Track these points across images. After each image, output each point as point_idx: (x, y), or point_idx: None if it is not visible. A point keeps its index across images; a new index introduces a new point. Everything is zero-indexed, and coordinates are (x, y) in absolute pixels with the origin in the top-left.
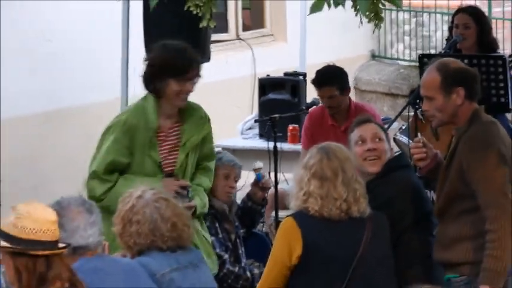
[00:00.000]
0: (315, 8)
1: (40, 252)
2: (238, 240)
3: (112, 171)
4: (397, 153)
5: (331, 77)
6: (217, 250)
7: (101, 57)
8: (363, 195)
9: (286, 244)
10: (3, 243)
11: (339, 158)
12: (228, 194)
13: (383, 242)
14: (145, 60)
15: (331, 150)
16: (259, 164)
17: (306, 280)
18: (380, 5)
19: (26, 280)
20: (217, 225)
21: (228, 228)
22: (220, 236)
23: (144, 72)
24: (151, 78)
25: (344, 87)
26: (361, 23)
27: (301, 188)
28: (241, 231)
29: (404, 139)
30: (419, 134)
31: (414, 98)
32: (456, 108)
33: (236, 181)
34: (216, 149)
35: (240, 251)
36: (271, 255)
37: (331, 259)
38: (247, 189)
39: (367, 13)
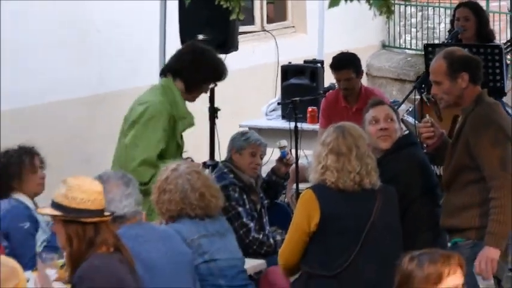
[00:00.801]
0: (333, 3)
1: (89, 220)
2: (263, 210)
3: (158, 157)
4: (406, 132)
5: (348, 61)
6: (244, 219)
7: (141, 46)
8: (374, 169)
9: (305, 213)
10: (56, 212)
11: (353, 135)
12: (254, 170)
13: (392, 211)
14: (192, 63)
15: (346, 129)
16: (284, 142)
17: (323, 245)
18: (391, 0)
19: (76, 245)
20: (244, 197)
21: (254, 200)
22: (247, 206)
23: (191, 72)
24: (195, 79)
25: (358, 70)
26: (375, 15)
27: (319, 162)
28: (266, 201)
29: (410, 119)
30: (426, 115)
31: (420, 83)
32: (461, 91)
33: (262, 158)
34: (244, 129)
35: (264, 220)
36: (292, 223)
37: (346, 226)
38: (272, 164)
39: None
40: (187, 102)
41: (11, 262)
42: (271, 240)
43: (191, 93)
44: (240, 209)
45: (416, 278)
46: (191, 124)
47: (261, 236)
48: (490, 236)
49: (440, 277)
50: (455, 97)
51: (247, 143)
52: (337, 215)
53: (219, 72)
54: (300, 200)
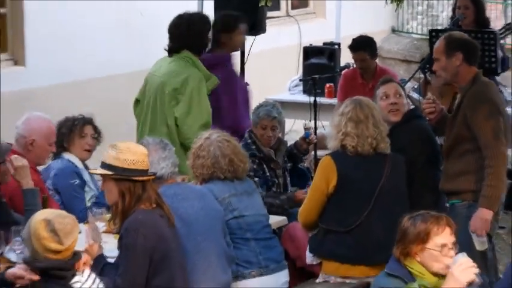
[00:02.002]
0: None
1: (139, 178)
2: (286, 173)
3: None
4: (412, 107)
5: (364, 44)
6: (260, 190)
7: None
8: (387, 135)
9: (324, 176)
10: (109, 172)
11: (368, 106)
12: (266, 141)
13: (399, 176)
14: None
15: (362, 100)
16: (309, 124)
17: (339, 204)
18: None
19: (128, 200)
20: (264, 166)
21: (274, 167)
22: (267, 174)
23: (193, 38)
24: (200, 41)
25: (373, 52)
26: (386, 3)
27: (339, 130)
28: (289, 165)
29: (415, 96)
30: (429, 93)
31: (424, 63)
32: (456, 69)
33: (273, 129)
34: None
35: (287, 181)
36: (312, 185)
37: (359, 188)
38: (293, 134)
39: None
40: None
41: (72, 216)
42: (278, 202)
43: (201, 53)
44: (256, 179)
45: (409, 235)
46: (217, 82)
47: (269, 199)
48: (484, 199)
49: (428, 234)
50: (451, 74)
51: (258, 117)
52: (352, 178)
53: (208, 21)
54: (319, 165)
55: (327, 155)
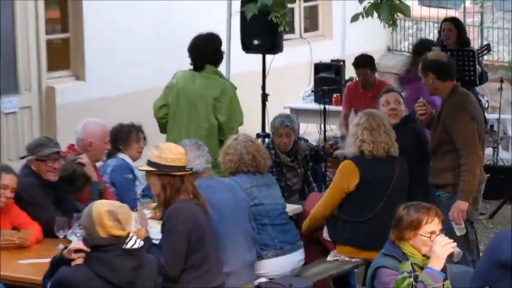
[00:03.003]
0: (354, 18)
1: (178, 173)
2: (307, 173)
3: None
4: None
5: (365, 62)
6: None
7: None
8: (395, 141)
9: (346, 177)
10: (153, 169)
11: (379, 116)
12: (283, 146)
13: (405, 174)
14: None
15: (373, 112)
16: (337, 134)
17: (357, 200)
18: (395, 15)
19: (168, 192)
20: (284, 171)
21: (285, 172)
22: (283, 184)
23: (211, 54)
24: (218, 55)
25: (373, 68)
26: (384, 27)
27: (356, 138)
28: (310, 164)
29: None
30: (420, 98)
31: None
32: (432, 85)
33: (288, 136)
34: (283, 112)
35: (309, 180)
36: (332, 183)
37: (375, 187)
38: (307, 136)
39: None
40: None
41: (126, 206)
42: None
43: (219, 64)
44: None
45: (404, 222)
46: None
47: None
48: (460, 193)
49: (420, 222)
50: (430, 89)
51: (274, 127)
52: (371, 178)
53: (220, 39)
54: (341, 167)
55: (348, 159)
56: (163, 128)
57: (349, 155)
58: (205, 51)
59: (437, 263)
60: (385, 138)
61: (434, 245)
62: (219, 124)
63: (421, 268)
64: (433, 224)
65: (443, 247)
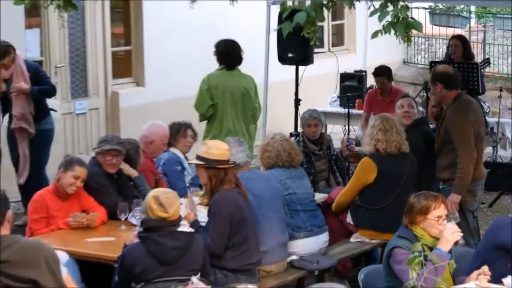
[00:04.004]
0: (374, 35)
1: (222, 166)
2: (331, 162)
3: None
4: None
5: (383, 72)
6: None
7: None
8: (406, 139)
9: (365, 172)
10: (201, 162)
11: (392, 119)
12: (312, 135)
13: (415, 169)
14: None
15: (386, 116)
16: (352, 137)
17: (376, 190)
18: (410, 32)
19: (214, 182)
20: (312, 160)
21: (314, 160)
22: (306, 166)
23: (237, 56)
24: (240, 57)
25: (390, 77)
26: (399, 42)
27: (372, 138)
28: (334, 156)
29: (420, 108)
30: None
31: (426, 86)
32: (439, 93)
33: (316, 126)
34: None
35: (334, 168)
36: (354, 176)
37: (390, 179)
38: (333, 135)
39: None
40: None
41: (174, 192)
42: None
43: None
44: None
45: (415, 208)
46: None
47: None
48: (454, 187)
49: (429, 208)
50: (438, 96)
51: (304, 119)
52: (386, 172)
53: (239, 45)
54: (361, 163)
55: (366, 156)
56: (207, 120)
57: (367, 153)
58: (231, 56)
59: (445, 246)
60: (396, 138)
61: (445, 230)
62: (255, 110)
63: (430, 248)
64: (440, 210)
65: (452, 233)
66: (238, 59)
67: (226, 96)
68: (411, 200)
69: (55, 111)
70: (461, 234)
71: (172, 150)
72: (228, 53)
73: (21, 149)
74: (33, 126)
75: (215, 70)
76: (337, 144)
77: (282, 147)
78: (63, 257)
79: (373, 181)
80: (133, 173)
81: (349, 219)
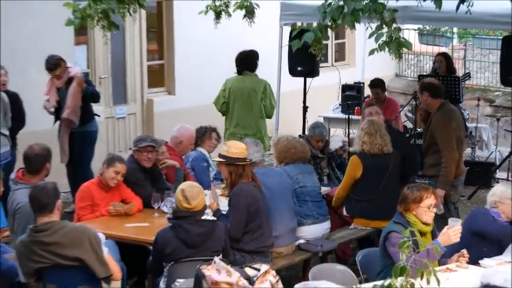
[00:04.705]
0: (371, 52)
1: (240, 163)
2: (330, 160)
3: None
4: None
5: (377, 84)
6: None
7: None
8: (389, 142)
9: (354, 168)
10: (223, 160)
11: (378, 124)
12: (317, 147)
13: (398, 167)
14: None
15: (373, 121)
16: (345, 139)
17: (363, 184)
18: (401, 50)
19: (233, 176)
20: (317, 161)
21: (318, 162)
22: (319, 171)
23: (254, 63)
24: (255, 64)
25: (383, 88)
26: (392, 58)
27: (359, 139)
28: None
29: (410, 114)
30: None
31: (415, 95)
32: (426, 101)
33: (322, 141)
34: (317, 120)
35: (333, 165)
36: (346, 174)
37: (375, 175)
38: (335, 137)
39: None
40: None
41: (199, 185)
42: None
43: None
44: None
45: (409, 198)
46: None
47: None
48: (440, 183)
49: (421, 198)
50: (424, 104)
51: (314, 133)
52: (371, 168)
53: (257, 55)
54: (350, 162)
55: (354, 155)
56: (224, 114)
57: (356, 151)
58: (249, 63)
59: (443, 240)
60: (380, 141)
61: (451, 228)
62: (265, 108)
63: (420, 233)
64: (431, 199)
65: (455, 234)
66: (250, 66)
67: (237, 95)
68: (405, 192)
69: (98, 116)
70: (460, 235)
71: (200, 149)
72: (240, 61)
73: (62, 141)
74: (78, 119)
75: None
76: (339, 144)
77: (292, 145)
78: (103, 238)
79: (360, 176)
80: (176, 164)
81: (345, 212)
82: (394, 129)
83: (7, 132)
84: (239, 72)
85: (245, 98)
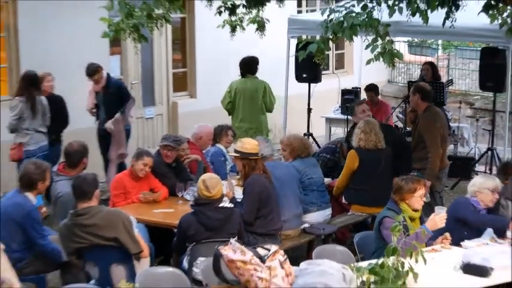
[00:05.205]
0: (367, 62)
1: (253, 158)
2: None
3: None
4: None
5: (372, 88)
6: None
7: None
8: (382, 139)
9: (352, 161)
10: (237, 155)
11: (373, 123)
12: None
13: (390, 161)
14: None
15: (369, 121)
16: (338, 139)
17: (359, 175)
18: (394, 60)
19: (247, 169)
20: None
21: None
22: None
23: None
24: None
25: (377, 92)
26: (386, 67)
27: (357, 136)
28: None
29: (401, 115)
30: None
31: (405, 99)
32: (416, 102)
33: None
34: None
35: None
36: (345, 166)
37: (370, 167)
38: (336, 135)
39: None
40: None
41: (217, 176)
42: None
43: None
44: None
45: (404, 189)
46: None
47: None
48: (426, 175)
49: (415, 189)
50: (414, 104)
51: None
52: (366, 161)
53: (257, 60)
54: (349, 154)
55: (352, 149)
56: (229, 113)
57: (353, 146)
58: (251, 67)
59: (430, 226)
60: (374, 138)
61: (437, 214)
62: (265, 105)
63: (410, 219)
64: (422, 190)
65: (441, 220)
66: (251, 70)
67: (241, 95)
68: (400, 183)
69: (131, 116)
70: (445, 221)
71: (218, 145)
72: (244, 65)
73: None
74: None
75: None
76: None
77: (301, 141)
78: (134, 221)
79: (357, 168)
80: (197, 158)
81: (344, 200)
82: (386, 125)
83: (45, 130)
84: (242, 75)
85: (248, 97)
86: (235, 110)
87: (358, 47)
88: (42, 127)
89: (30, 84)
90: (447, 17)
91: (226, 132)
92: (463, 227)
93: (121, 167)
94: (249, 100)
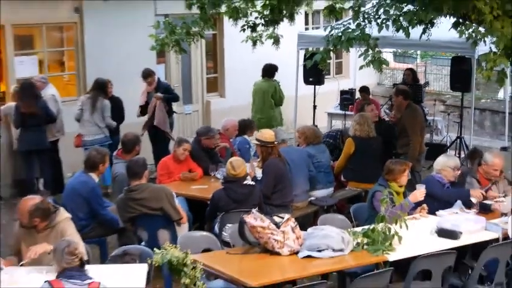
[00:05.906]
0: (360, 68)
1: (270, 145)
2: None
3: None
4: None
5: (365, 89)
6: None
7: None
8: (373, 129)
9: (348, 146)
10: (258, 143)
11: (366, 117)
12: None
13: (380, 146)
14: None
15: (363, 114)
16: (337, 129)
17: (355, 159)
18: (382, 66)
19: (265, 154)
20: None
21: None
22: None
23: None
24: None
25: (368, 92)
26: (375, 72)
27: (353, 127)
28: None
29: (388, 111)
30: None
31: (390, 98)
32: (399, 102)
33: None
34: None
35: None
36: (343, 151)
37: (363, 152)
38: (336, 126)
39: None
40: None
41: (241, 159)
42: None
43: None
44: None
45: (396, 170)
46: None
47: None
48: (408, 158)
49: (404, 170)
50: (397, 103)
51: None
52: (361, 147)
53: (275, 67)
54: (346, 141)
55: (349, 137)
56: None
57: (350, 135)
58: (270, 72)
59: (413, 199)
60: (367, 128)
61: (418, 189)
62: (275, 101)
63: (397, 193)
64: (408, 170)
65: (421, 194)
66: (269, 74)
67: (257, 93)
68: (392, 166)
69: (176, 112)
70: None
71: (244, 136)
72: (264, 70)
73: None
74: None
75: None
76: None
77: (312, 131)
78: (175, 195)
79: (353, 152)
80: (226, 145)
81: (343, 178)
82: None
83: (103, 125)
84: (263, 77)
85: (261, 95)
86: (253, 104)
87: (353, 56)
88: (101, 122)
89: (98, 87)
90: (424, 32)
91: (250, 125)
92: (434, 200)
93: (165, 152)
94: (262, 97)
